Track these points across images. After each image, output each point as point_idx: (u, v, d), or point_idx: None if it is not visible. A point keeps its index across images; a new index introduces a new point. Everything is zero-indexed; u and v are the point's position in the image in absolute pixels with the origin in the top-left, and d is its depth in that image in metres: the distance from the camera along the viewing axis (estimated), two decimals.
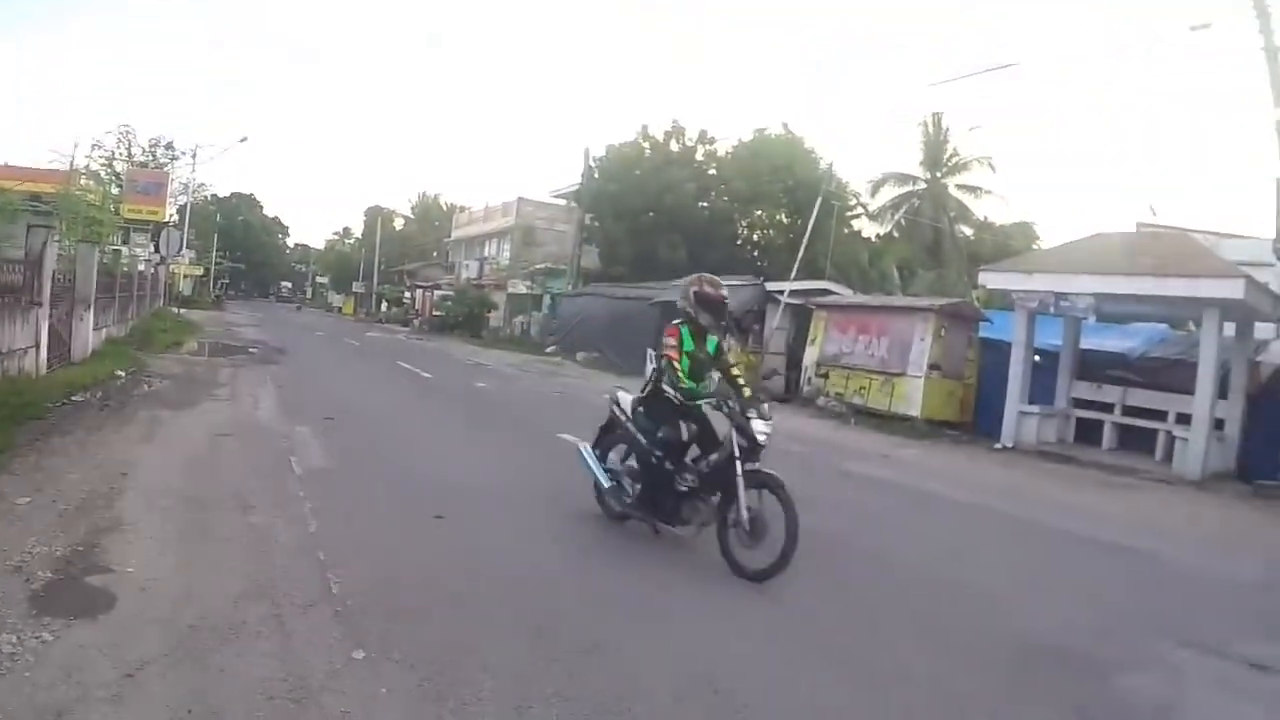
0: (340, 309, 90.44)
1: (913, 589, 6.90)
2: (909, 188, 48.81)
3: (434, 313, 57.75)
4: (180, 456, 9.25)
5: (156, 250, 38.64)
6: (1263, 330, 17.83)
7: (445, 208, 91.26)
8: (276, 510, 7.27)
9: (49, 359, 14.39)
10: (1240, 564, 9.38)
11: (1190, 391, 16.03)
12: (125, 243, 35.86)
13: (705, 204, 40.36)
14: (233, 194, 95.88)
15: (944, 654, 5.38)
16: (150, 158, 49.85)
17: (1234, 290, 15.24)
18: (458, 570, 6.16)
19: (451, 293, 57.53)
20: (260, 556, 5.97)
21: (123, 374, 15.46)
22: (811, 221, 28.65)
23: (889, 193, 48.99)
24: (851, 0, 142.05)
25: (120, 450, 9.20)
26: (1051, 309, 17.77)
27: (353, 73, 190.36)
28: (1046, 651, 5.63)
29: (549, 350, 37.45)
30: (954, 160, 48.15)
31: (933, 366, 20.15)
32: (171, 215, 46.68)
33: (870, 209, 47.94)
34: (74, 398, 12.30)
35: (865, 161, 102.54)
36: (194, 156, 52.55)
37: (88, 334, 17.65)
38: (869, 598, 6.49)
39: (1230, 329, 17.00)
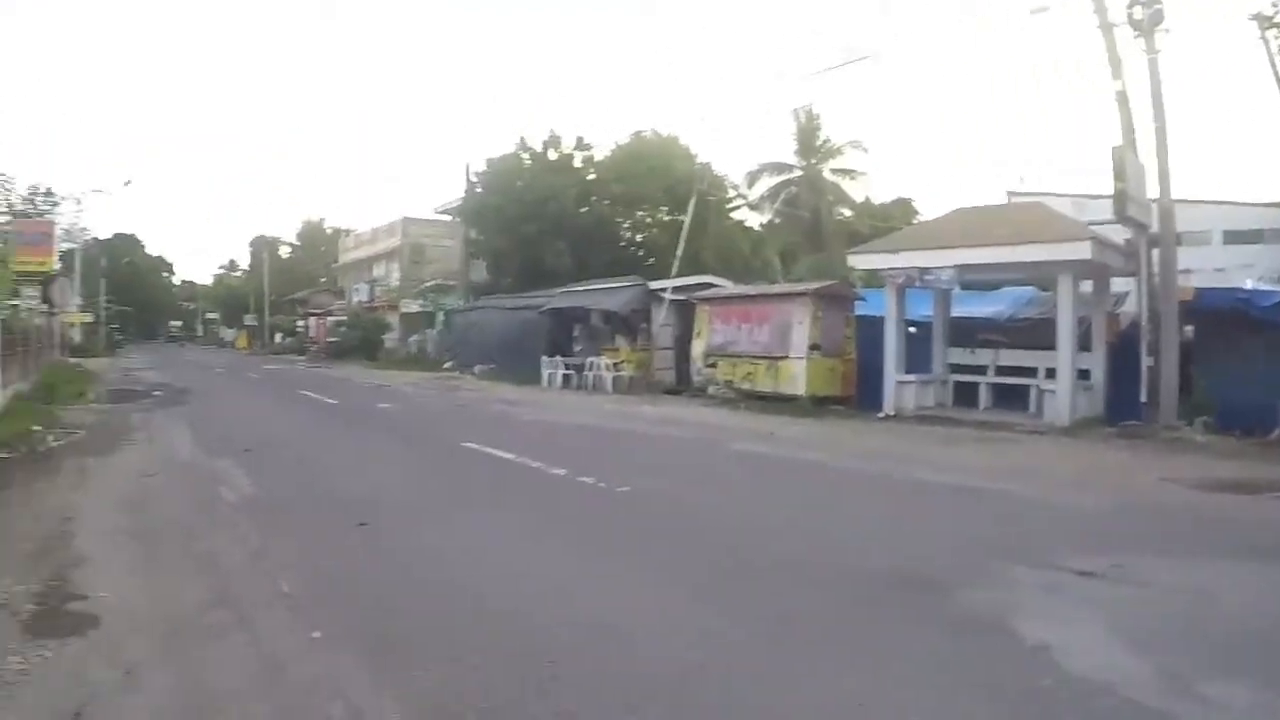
0: (234, 344, 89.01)
1: (780, 541, 7.89)
2: (785, 176, 50.33)
3: (329, 339, 57.51)
4: (116, 498, 9.82)
5: (44, 301, 37.99)
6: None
7: (331, 232, 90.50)
8: (218, 534, 7.99)
9: None
10: (1091, 496, 10.36)
11: (1055, 347, 17.48)
12: (17, 296, 35.25)
13: (587, 209, 41.13)
14: (115, 235, 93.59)
15: (805, 587, 6.35)
16: (30, 205, 48.65)
17: (1082, 251, 16.75)
18: (383, 563, 7.02)
19: (345, 318, 57.44)
20: (214, 572, 6.71)
21: (38, 428, 15.72)
22: (688, 218, 29.75)
23: (767, 182, 50.41)
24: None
25: (59, 498, 9.73)
26: (918, 283, 19.04)
27: (224, 102, 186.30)
28: (896, 579, 6.54)
29: (446, 366, 37.95)
30: (826, 146, 49.89)
31: (813, 347, 21.33)
32: (58, 264, 45.70)
33: (750, 199, 49.30)
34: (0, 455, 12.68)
35: (743, 154, 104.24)
36: (79, 202, 51.49)
37: None
38: (742, 553, 7.43)
39: (1089, 286, 18.54)
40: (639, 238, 43.87)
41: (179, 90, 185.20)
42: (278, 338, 76.46)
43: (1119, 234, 17.58)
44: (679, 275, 28.34)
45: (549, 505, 9.50)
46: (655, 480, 10.90)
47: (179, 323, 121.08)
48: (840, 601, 6.06)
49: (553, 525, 8.52)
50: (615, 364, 27.17)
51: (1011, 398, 18.99)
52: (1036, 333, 19.19)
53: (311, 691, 4.46)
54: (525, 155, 42.75)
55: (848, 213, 49.80)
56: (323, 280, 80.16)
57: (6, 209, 45.98)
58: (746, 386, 22.32)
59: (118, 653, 5.02)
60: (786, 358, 21.68)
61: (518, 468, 11.83)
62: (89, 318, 67.62)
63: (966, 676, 4.64)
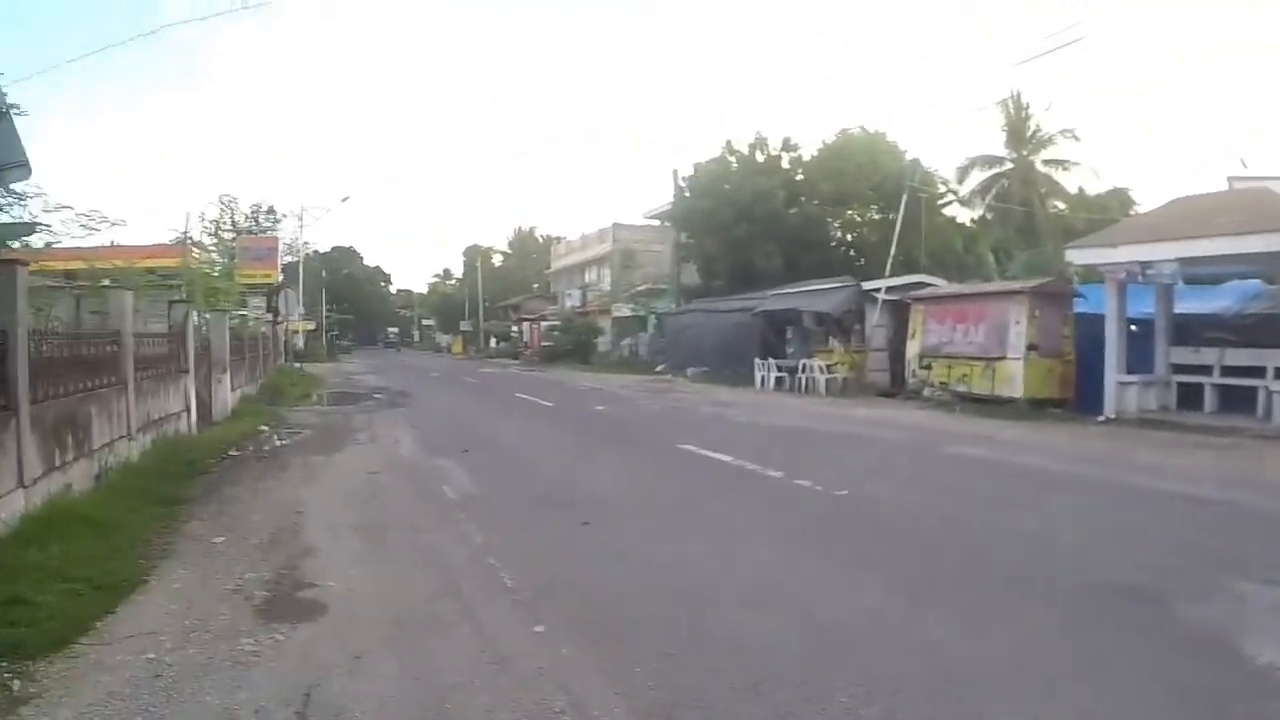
0: (449, 349, 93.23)
1: (999, 547, 7.52)
2: (996, 169, 48.49)
3: (542, 344, 59.21)
4: (342, 493, 10.39)
5: (268, 310, 40.69)
6: None
7: (541, 240, 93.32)
8: (442, 530, 8.30)
9: (197, 420, 15.74)
10: None
11: None
12: (244, 307, 37.90)
13: (795, 209, 40.76)
14: (334, 248, 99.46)
15: (1024, 597, 6.00)
16: (254, 223, 52.25)
17: None
18: (604, 561, 7.09)
19: (558, 322, 58.92)
20: (439, 566, 6.96)
21: (265, 428, 16.78)
22: (900, 216, 29.11)
23: (977, 176, 48.66)
24: None
25: (288, 493, 10.38)
26: (1139, 278, 17.89)
27: (438, 115, 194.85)
28: (1117, 590, 6.12)
29: (659, 369, 38.38)
30: (1038, 136, 47.79)
31: (1030, 347, 20.39)
32: (282, 276, 48.82)
33: (960, 195, 47.73)
34: (231, 453, 13.59)
35: (951, 148, 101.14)
36: (300, 219, 55.10)
37: (226, 395, 19.13)
38: (959, 560, 7.12)
39: None
40: (849, 237, 43.12)
41: (393, 107, 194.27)
42: (492, 342, 79.39)
43: None
44: (892, 275, 27.67)
45: (766, 508, 9.37)
46: (872, 484, 10.58)
47: (396, 329, 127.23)
48: (1060, 612, 5.70)
49: (770, 528, 8.38)
50: (828, 366, 26.80)
51: (1239, 400, 17.38)
52: (1265, 329, 17.76)
53: (535, 683, 4.52)
54: (732, 158, 42.86)
55: (1061, 206, 47.17)
56: (535, 286, 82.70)
57: (232, 226, 49.50)
58: (962, 389, 21.59)
59: (346, 639, 5.24)
60: (1003, 358, 20.79)
61: (734, 470, 11.75)
62: (311, 325, 72.00)
63: (1192, 697, 4.34)
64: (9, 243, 12.10)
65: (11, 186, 10.36)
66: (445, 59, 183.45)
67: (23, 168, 6.61)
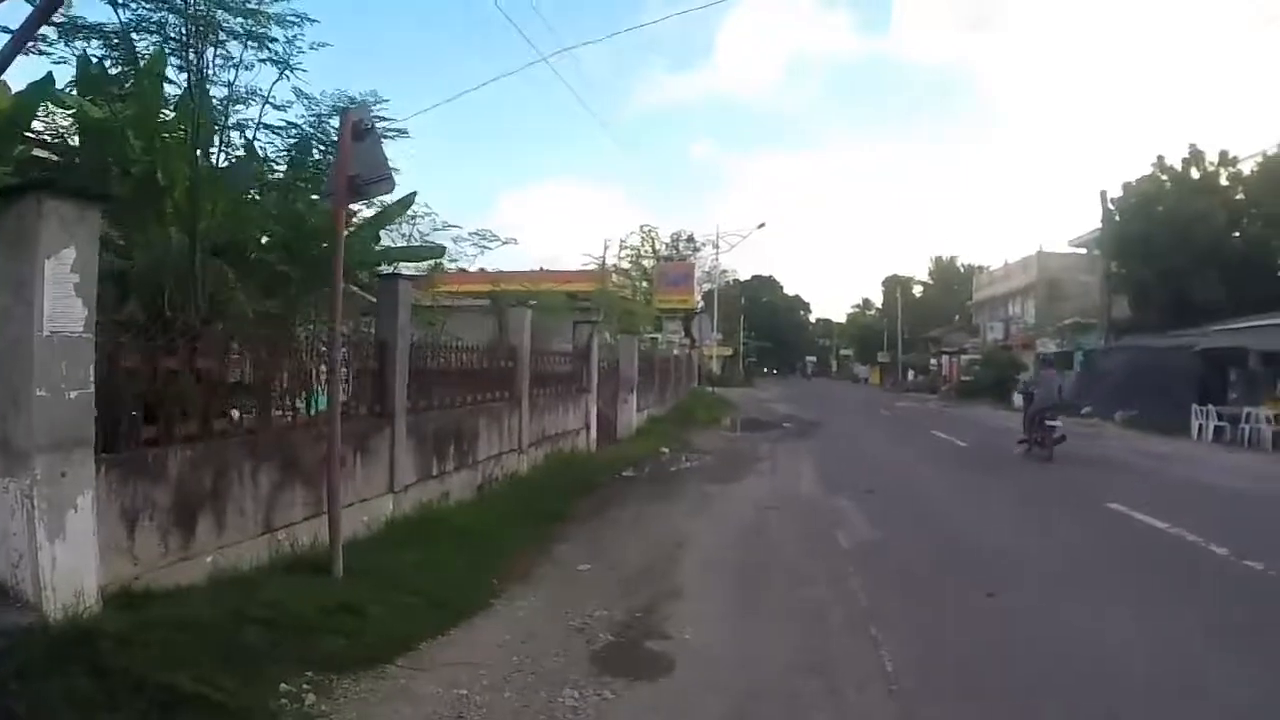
0: (867, 379, 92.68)
1: None
2: None
3: (961, 378, 56.82)
4: (730, 529, 9.77)
5: (686, 335, 41.71)
6: None
7: (963, 269, 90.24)
8: (825, 584, 7.33)
9: (598, 438, 15.91)
10: None
11: None
12: (659, 331, 39.13)
13: (1237, 233, 36.01)
14: (754, 277, 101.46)
15: None
16: (674, 251, 54.04)
17: None
18: (1016, 654, 5.72)
19: (978, 356, 56.37)
20: (813, 629, 6.01)
21: (666, 451, 16.66)
22: None
23: None
24: None
25: (672, 522, 9.93)
26: None
27: (852, 147, 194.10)
28: None
29: (1084, 411, 35.27)
30: None
31: None
32: (699, 302, 50.12)
33: None
34: (624, 473, 13.47)
35: None
36: (716, 246, 56.32)
37: (631, 414, 19.33)
38: None
39: None
40: None
41: (813, 145, 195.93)
42: (910, 375, 77.57)
43: None
44: None
45: (1209, 594, 7.42)
46: None
47: (813, 358, 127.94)
48: None
49: (1214, 624, 6.47)
50: (1278, 416, 22.99)
51: None
52: None
53: None
54: (1164, 176, 38.53)
55: None
56: (956, 318, 79.88)
57: (653, 254, 51.48)
58: None
59: (683, 712, 4.51)
60: None
61: (1172, 540, 9.74)
62: (728, 351, 73.55)
63: None
64: (420, 264, 12.63)
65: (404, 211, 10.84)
66: (857, 85, 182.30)
67: (386, 180, 6.57)
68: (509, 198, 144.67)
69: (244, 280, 7.88)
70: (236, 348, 6.55)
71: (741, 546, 8.81)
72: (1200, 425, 25.08)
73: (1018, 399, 30.86)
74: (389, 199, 9.40)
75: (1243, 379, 26.84)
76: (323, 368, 7.23)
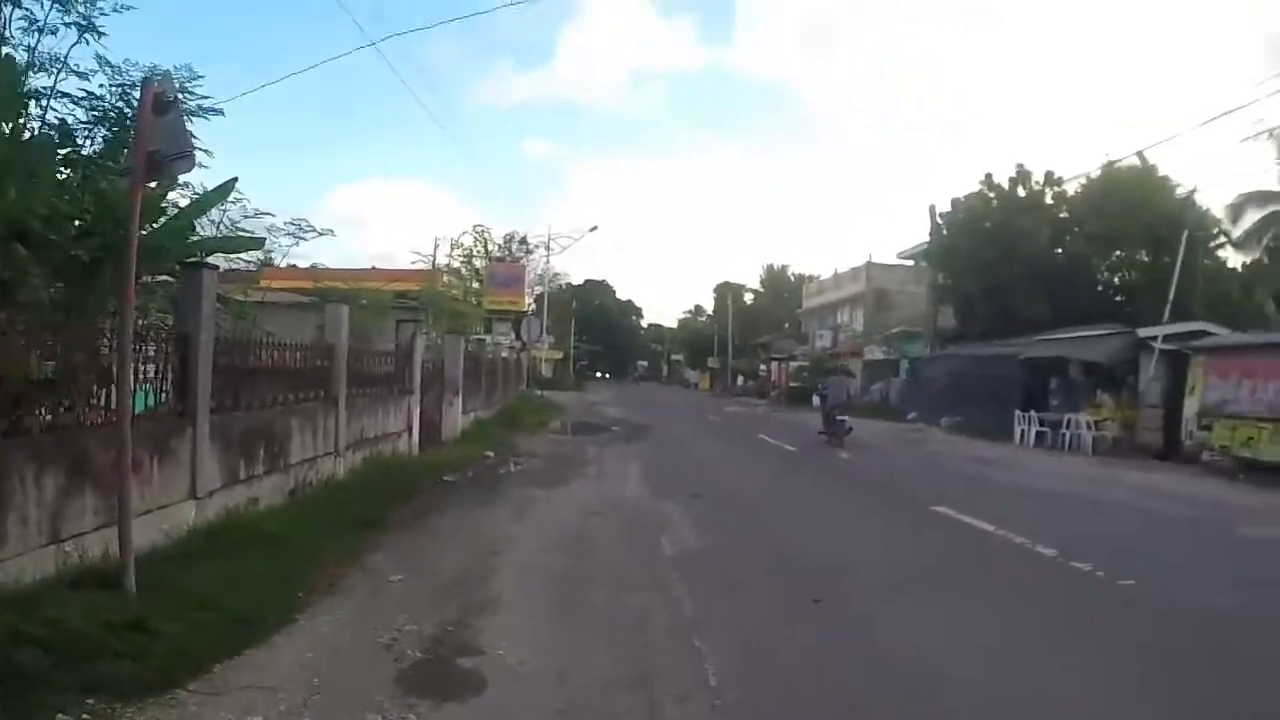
0: (697, 385, 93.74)
1: None
2: (1274, 207, 43.53)
3: (790, 384, 58.13)
4: (551, 535, 9.52)
5: (516, 337, 41.37)
6: None
7: (794, 278, 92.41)
8: (649, 591, 7.15)
9: (420, 441, 15.48)
10: None
11: None
12: (489, 332, 38.68)
13: (1060, 250, 37.98)
14: (587, 281, 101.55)
15: None
16: (506, 252, 53.57)
17: None
18: (835, 658, 5.71)
19: (806, 363, 57.83)
20: (634, 642, 5.80)
21: (491, 454, 16.33)
22: (1180, 257, 26.57)
23: (1252, 215, 43.78)
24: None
25: (492, 528, 9.62)
26: None
27: (689, 155, 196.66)
28: None
29: (910, 417, 36.47)
30: None
31: None
32: (530, 304, 49.79)
33: (1234, 237, 43.20)
34: (446, 477, 13.10)
35: (1216, 185, 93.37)
36: (548, 248, 56.03)
37: (457, 417, 18.93)
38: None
39: None
40: (1116, 281, 39.77)
41: (648, 146, 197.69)
42: (739, 380, 78.91)
43: None
44: (1168, 322, 25.03)
45: (1038, 596, 7.56)
46: (1159, 572, 8.47)
47: (645, 363, 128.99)
48: None
49: (1045, 626, 6.59)
50: (1096, 422, 24.32)
51: None
52: None
53: None
54: (992, 194, 40.39)
55: None
56: (786, 325, 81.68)
57: (484, 254, 51.01)
58: (1247, 454, 18.80)
59: None
60: None
61: (999, 542, 9.96)
62: (558, 354, 73.37)
63: None
64: (237, 257, 11.89)
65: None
66: (697, 96, 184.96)
67: (187, 158, 6.07)
68: (340, 192, 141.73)
69: (42, 265, 7.21)
70: (22, 339, 5.96)
71: (563, 554, 8.53)
72: (1023, 430, 26.36)
73: (816, 400, 35.74)
74: (199, 180, 8.83)
75: (1063, 387, 28.37)
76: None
